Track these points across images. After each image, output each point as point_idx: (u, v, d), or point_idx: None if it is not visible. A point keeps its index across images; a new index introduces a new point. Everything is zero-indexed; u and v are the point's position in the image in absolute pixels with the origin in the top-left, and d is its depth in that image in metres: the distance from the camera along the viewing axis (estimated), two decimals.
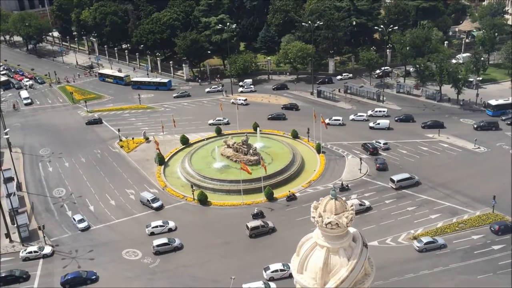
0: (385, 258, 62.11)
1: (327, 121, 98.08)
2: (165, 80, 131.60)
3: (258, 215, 73.52)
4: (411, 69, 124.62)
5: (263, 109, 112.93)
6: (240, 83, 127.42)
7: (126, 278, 62.89)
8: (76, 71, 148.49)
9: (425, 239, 65.62)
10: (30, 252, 67.76)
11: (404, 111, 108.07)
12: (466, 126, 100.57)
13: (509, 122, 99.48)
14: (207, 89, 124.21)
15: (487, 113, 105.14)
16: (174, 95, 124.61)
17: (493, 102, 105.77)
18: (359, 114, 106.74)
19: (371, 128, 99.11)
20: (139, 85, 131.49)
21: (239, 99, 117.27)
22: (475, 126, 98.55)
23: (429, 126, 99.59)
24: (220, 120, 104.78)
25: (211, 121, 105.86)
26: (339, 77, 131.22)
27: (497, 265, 61.67)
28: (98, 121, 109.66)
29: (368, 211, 73.85)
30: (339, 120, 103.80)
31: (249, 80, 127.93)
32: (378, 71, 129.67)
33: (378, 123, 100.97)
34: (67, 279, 62.31)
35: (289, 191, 79.71)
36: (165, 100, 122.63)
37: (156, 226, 71.22)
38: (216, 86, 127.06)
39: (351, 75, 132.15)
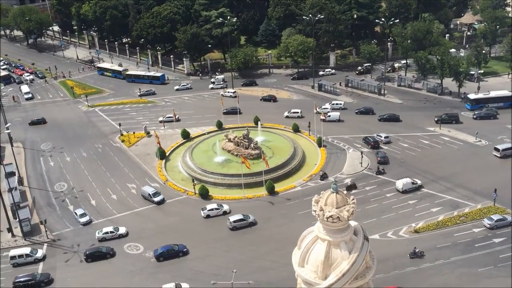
0: (386, 252, 62.29)
1: (286, 114, 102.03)
2: (159, 74, 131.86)
3: (352, 187, 76.52)
4: (404, 62, 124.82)
5: (265, 103, 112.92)
6: (212, 80, 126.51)
7: (128, 272, 63.14)
8: (79, 65, 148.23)
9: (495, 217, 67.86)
10: (107, 233, 69.59)
11: (386, 106, 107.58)
12: (467, 120, 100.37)
13: (474, 117, 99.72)
14: (211, 86, 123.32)
15: (466, 106, 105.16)
16: (176, 87, 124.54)
17: (471, 96, 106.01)
18: (292, 110, 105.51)
19: (322, 120, 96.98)
20: (134, 79, 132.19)
21: (228, 91, 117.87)
22: (436, 119, 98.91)
23: (385, 119, 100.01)
24: (295, 112, 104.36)
25: (286, 114, 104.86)
26: (321, 72, 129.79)
27: (497, 258, 61.82)
28: (41, 121, 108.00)
29: (420, 189, 76.63)
30: (297, 112, 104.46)
31: (220, 76, 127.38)
32: (359, 67, 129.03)
33: (329, 116, 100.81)
34: (160, 253, 64.64)
35: (321, 171, 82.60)
36: (166, 94, 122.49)
37: (212, 209, 73.17)
38: (219, 83, 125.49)
39: (333, 71, 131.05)
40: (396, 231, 68.06)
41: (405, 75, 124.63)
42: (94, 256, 65.48)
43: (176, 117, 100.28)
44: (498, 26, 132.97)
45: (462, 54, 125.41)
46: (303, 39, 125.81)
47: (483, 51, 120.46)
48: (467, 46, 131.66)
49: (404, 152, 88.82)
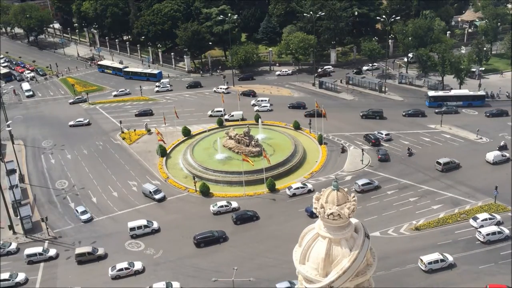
0: (387, 249, 62.34)
1: (209, 112, 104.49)
2: (156, 72, 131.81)
3: (503, 148, 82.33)
4: (405, 59, 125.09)
5: (244, 98, 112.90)
6: (157, 83, 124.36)
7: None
8: (79, 63, 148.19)
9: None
10: (222, 206, 73.41)
11: (388, 103, 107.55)
12: (468, 117, 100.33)
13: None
14: (214, 89, 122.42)
15: (426, 103, 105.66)
16: (156, 89, 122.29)
17: (430, 93, 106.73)
18: (216, 109, 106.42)
19: (226, 120, 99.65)
20: (131, 76, 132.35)
21: (220, 87, 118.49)
22: (361, 114, 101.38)
23: (311, 114, 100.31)
24: (219, 111, 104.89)
25: (209, 113, 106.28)
26: (319, 70, 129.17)
27: (498, 255, 61.84)
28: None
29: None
30: (267, 106, 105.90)
31: (166, 80, 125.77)
32: (319, 69, 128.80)
33: (232, 115, 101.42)
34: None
35: (408, 148, 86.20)
36: (167, 92, 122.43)
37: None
38: (164, 86, 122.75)
39: (331, 68, 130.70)
40: (397, 229, 68.09)
41: (406, 72, 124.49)
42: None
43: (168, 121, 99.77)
44: (499, 23, 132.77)
45: (463, 52, 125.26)
46: (304, 36, 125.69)
47: (484, 48, 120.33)
48: (469, 44, 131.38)
49: (405, 149, 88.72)
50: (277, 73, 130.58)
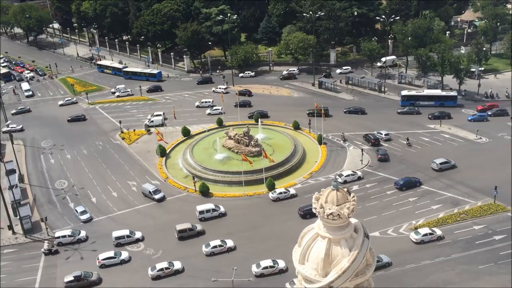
0: (386, 249, 62.36)
1: (196, 103, 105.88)
2: (155, 72, 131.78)
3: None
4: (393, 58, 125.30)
5: (265, 100, 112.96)
6: (112, 90, 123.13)
7: (129, 270, 63.17)
8: (76, 63, 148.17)
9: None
10: (280, 193, 75.80)
11: (387, 103, 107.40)
12: (467, 117, 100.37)
13: (430, 117, 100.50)
14: (213, 89, 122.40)
15: (400, 103, 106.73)
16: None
17: (403, 92, 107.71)
18: (203, 100, 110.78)
19: (146, 125, 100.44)
20: (131, 75, 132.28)
21: (220, 87, 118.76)
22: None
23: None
24: (207, 102, 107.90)
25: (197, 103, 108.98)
26: (338, 71, 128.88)
27: (498, 255, 61.90)
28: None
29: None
30: (219, 109, 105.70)
31: (121, 86, 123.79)
32: (284, 72, 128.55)
33: (152, 121, 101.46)
34: (402, 183, 75.79)
35: (407, 138, 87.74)
36: (167, 91, 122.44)
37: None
38: (125, 91, 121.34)
39: (350, 68, 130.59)
40: (396, 229, 68.10)
41: (406, 72, 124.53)
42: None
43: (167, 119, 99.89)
44: (498, 23, 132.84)
45: (462, 52, 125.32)
46: (304, 36, 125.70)
47: (484, 48, 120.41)
48: (468, 44, 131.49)
49: (405, 149, 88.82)
50: (338, 71, 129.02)
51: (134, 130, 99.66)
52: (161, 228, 71.00)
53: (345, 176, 79.69)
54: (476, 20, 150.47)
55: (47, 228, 71.11)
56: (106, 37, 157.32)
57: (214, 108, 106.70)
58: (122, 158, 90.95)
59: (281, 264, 60.90)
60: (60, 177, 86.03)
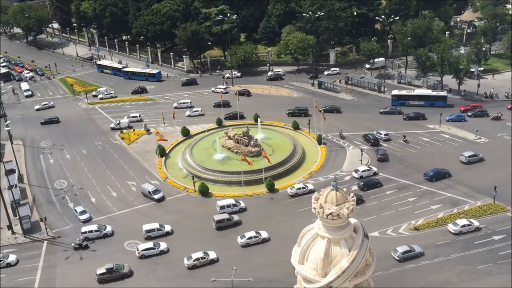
0: (386, 249, 62.36)
1: (175, 104, 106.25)
2: (155, 72, 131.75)
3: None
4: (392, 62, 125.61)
5: (265, 100, 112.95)
6: (93, 93, 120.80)
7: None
8: (81, 61, 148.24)
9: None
10: (299, 189, 76.00)
11: (387, 103, 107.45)
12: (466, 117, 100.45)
13: (381, 112, 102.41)
14: (212, 89, 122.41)
15: (390, 102, 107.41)
16: (100, 96, 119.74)
17: (394, 92, 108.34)
18: (181, 101, 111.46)
19: (112, 129, 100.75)
20: (130, 75, 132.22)
21: (219, 87, 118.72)
22: (287, 112, 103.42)
23: (230, 117, 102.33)
24: (185, 103, 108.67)
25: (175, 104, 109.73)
26: (326, 72, 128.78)
27: (497, 255, 61.91)
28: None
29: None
30: (198, 110, 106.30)
31: (103, 89, 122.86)
32: (270, 73, 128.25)
33: (118, 123, 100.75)
34: (431, 174, 77.58)
35: (404, 135, 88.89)
36: (166, 91, 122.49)
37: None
38: (108, 93, 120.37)
39: (337, 69, 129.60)
40: (395, 229, 68.12)
41: (405, 72, 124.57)
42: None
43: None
44: (498, 24, 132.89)
45: (462, 52, 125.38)
46: (303, 36, 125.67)
47: (483, 49, 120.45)
48: (468, 45, 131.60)
49: (404, 149, 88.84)
50: (326, 73, 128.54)
51: (134, 130, 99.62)
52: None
53: (361, 172, 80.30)
54: (476, 20, 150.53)
55: (46, 228, 71.07)
56: (105, 37, 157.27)
57: (194, 110, 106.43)
58: (121, 158, 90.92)
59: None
60: (59, 177, 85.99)
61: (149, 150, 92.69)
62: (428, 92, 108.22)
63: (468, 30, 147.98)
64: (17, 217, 71.98)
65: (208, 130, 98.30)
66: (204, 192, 77.85)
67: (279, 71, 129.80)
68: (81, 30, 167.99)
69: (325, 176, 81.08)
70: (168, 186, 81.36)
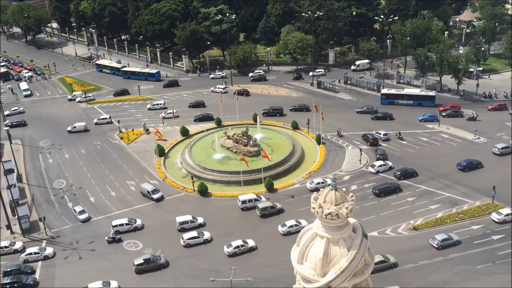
0: (385, 249, 62.38)
1: (148, 106, 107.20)
2: (154, 71, 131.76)
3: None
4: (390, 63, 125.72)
5: (264, 99, 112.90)
6: (69, 97, 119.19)
7: (127, 269, 63.11)
8: (81, 61, 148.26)
9: None
10: (318, 183, 76.83)
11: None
12: (491, 116, 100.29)
13: (357, 111, 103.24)
14: (212, 88, 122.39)
15: (380, 101, 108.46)
16: (78, 99, 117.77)
17: (383, 90, 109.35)
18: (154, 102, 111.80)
19: (69, 131, 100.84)
20: (129, 75, 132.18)
21: (218, 87, 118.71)
22: (262, 112, 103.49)
23: (200, 119, 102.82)
24: (158, 104, 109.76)
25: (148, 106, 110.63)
26: (311, 73, 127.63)
27: (496, 255, 61.95)
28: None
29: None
30: (161, 104, 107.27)
31: (78, 93, 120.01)
32: (250, 74, 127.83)
33: (75, 127, 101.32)
34: (464, 165, 79.34)
35: (399, 133, 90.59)
36: (166, 91, 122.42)
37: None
38: (87, 97, 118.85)
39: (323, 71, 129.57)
40: (394, 228, 68.12)
41: (404, 72, 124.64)
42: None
43: (174, 113, 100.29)
44: (497, 24, 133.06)
45: (461, 52, 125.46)
46: (302, 36, 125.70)
47: (482, 49, 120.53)
48: (467, 45, 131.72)
49: (403, 149, 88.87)
50: (311, 74, 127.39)
51: (133, 130, 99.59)
52: (160, 228, 70.88)
53: (378, 167, 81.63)
54: (475, 20, 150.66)
55: (45, 228, 71.01)
56: (104, 37, 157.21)
57: (168, 111, 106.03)
58: (120, 158, 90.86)
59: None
60: (58, 176, 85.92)
61: (148, 149, 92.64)
62: (417, 91, 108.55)
63: (467, 30, 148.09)
64: (16, 216, 71.91)
65: (207, 130, 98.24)
66: (203, 192, 77.82)
67: (261, 72, 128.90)
68: (80, 30, 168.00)
69: (324, 176, 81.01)
70: (167, 185, 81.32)
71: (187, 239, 66.81)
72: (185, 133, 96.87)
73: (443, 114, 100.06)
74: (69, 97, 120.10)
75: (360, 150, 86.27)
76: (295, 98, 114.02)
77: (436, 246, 63.25)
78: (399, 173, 79.80)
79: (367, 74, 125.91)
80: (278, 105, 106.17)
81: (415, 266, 60.74)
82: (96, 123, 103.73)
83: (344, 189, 20.59)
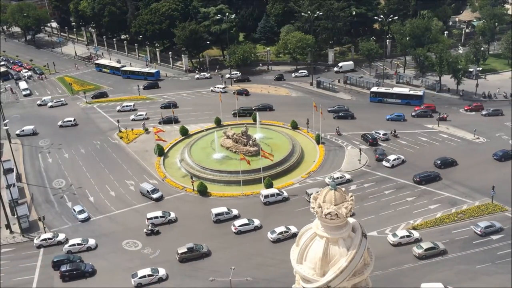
0: (384, 248, 62.40)
1: (117, 108, 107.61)
2: (153, 71, 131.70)
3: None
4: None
5: (263, 99, 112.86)
6: (38, 102, 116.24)
7: (126, 269, 63.05)
8: (80, 61, 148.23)
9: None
10: (337, 178, 77.59)
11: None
12: (465, 117, 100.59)
13: (334, 116, 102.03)
14: (211, 88, 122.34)
15: (369, 99, 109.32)
16: (50, 104, 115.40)
17: (373, 89, 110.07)
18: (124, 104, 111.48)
19: (60, 126, 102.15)
20: (129, 75, 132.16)
21: (218, 87, 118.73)
22: (253, 108, 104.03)
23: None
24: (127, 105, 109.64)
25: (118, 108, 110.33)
26: (293, 74, 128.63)
27: (495, 255, 61.97)
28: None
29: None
30: (142, 114, 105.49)
31: (48, 98, 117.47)
32: (227, 75, 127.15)
33: (66, 121, 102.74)
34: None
35: (394, 130, 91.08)
36: (165, 91, 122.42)
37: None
38: (58, 101, 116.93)
39: (306, 72, 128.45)
40: (394, 228, 68.09)
41: (404, 72, 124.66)
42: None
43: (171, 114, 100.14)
44: (496, 24, 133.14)
45: (460, 52, 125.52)
46: (302, 36, 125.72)
47: (482, 48, 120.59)
48: (466, 44, 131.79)
49: (403, 149, 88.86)
50: (294, 75, 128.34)
51: (132, 130, 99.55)
52: (159, 228, 70.91)
53: (392, 161, 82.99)
54: (474, 20, 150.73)
55: (44, 227, 70.96)
56: (104, 36, 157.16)
57: (138, 114, 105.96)
58: (120, 158, 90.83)
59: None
60: (58, 176, 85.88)
61: (147, 149, 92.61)
62: (405, 91, 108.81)
63: (467, 30, 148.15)
64: (15, 216, 71.87)
65: (207, 130, 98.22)
66: (203, 191, 77.81)
67: (237, 73, 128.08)
68: (80, 29, 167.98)
69: (323, 176, 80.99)
70: (166, 185, 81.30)
71: (239, 226, 68.95)
72: (184, 133, 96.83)
73: (413, 114, 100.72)
74: (38, 102, 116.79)
75: (360, 150, 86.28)
76: (294, 98, 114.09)
77: (479, 233, 65.00)
78: (439, 161, 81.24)
79: (367, 74, 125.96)
80: (248, 105, 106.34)
81: (415, 266, 60.76)
82: (133, 119, 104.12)
83: (343, 189, 20.59)
